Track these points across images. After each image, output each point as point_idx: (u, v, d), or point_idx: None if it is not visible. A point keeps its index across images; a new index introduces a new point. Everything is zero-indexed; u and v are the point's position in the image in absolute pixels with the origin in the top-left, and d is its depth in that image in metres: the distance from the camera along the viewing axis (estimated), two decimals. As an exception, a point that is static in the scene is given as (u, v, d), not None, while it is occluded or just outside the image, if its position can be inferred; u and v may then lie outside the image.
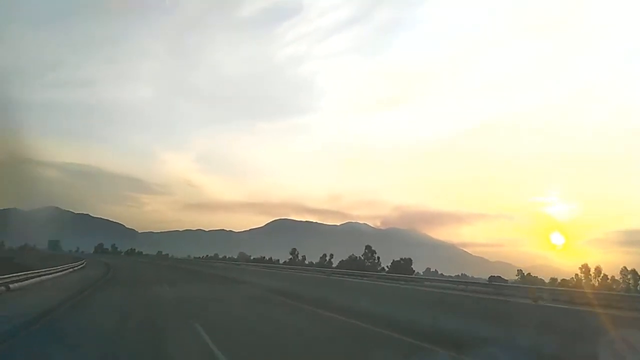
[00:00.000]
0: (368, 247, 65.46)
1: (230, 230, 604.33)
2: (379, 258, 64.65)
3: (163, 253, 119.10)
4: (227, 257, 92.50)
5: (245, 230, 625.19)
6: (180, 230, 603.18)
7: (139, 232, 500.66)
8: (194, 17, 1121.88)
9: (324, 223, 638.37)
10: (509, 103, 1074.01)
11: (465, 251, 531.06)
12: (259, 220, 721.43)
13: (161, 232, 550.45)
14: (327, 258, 69.48)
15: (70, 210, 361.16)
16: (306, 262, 71.13)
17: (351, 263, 62.46)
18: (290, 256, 73.03)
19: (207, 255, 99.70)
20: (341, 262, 66.38)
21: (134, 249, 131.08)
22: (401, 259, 62.08)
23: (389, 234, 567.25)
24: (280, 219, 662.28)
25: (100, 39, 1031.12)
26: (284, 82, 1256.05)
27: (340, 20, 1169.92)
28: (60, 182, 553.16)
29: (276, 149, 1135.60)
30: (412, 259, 62.66)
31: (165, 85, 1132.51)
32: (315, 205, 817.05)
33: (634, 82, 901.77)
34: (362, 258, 64.16)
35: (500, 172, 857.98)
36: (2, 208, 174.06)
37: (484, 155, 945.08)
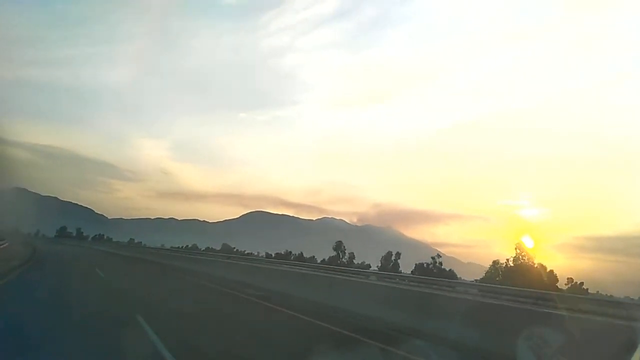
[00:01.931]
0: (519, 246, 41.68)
1: (204, 221, 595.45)
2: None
3: (135, 241, 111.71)
4: (210, 247, 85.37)
5: (219, 221, 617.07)
6: (152, 218, 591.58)
7: (109, 218, 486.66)
8: (177, 1, 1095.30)
9: (300, 217, 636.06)
10: (490, 104, 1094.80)
11: (438, 251, 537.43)
12: (234, 212, 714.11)
13: (132, 219, 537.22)
14: (393, 258, 50.84)
15: (37, 192, 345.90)
16: (352, 262, 53.55)
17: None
18: (334, 253, 55.34)
19: (187, 246, 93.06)
20: (418, 265, 45.60)
21: (103, 235, 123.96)
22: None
23: (364, 231, 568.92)
24: (255, 211, 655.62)
25: (80, 18, 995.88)
26: (266, 73, 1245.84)
27: (326, 14, 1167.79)
28: (30, 164, 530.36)
29: (255, 141, 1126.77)
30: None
31: (144, 70, 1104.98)
32: (293, 199, 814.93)
33: (610, 89, 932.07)
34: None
35: (477, 172, 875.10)
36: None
37: (464, 155, 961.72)
